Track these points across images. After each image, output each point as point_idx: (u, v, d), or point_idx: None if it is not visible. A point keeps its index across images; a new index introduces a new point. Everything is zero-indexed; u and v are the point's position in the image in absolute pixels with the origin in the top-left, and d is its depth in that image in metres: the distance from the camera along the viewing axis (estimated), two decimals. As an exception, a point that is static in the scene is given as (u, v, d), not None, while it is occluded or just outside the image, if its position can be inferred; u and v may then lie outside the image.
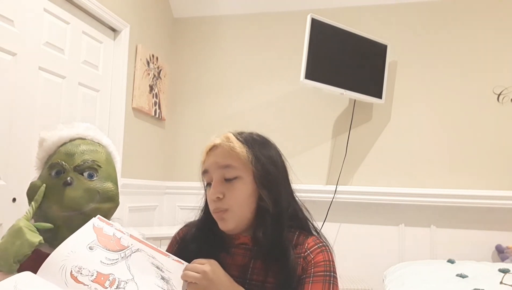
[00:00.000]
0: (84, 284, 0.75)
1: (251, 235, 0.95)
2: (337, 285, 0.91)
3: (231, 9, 3.26)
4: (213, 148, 0.97)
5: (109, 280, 0.77)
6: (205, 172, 0.97)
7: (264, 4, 3.18)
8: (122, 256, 0.83)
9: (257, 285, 0.90)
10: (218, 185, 0.93)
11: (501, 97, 2.76)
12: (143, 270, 0.82)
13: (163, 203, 3.23)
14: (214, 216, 0.95)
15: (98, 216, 0.92)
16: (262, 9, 3.21)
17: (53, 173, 0.97)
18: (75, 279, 0.76)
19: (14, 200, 1.92)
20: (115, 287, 0.76)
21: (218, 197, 0.92)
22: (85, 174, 0.97)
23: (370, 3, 3.00)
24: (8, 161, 1.90)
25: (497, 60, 2.78)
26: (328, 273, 0.90)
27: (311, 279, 0.89)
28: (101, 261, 0.80)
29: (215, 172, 0.94)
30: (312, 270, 0.90)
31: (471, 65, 2.82)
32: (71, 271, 0.77)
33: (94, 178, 0.98)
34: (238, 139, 0.96)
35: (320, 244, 0.94)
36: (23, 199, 1.93)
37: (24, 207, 1.91)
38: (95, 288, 0.75)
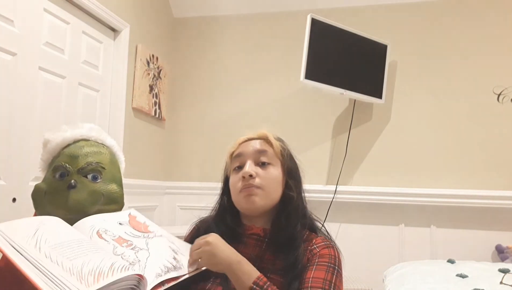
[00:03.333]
0: (105, 240, 0.84)
1: (263, 226, 1.01)
2: (340, 280, 0.95)
3: (231, 9, 3.26)
4: (247, 141, 1.07)
5: (127, 243, 0.86)
6: (238, 155, 1.05)
7: (264, 4, 3.18)
8: (145, 236, 0.91)
9: (265, 271, 0.93)
10: (253, 165, 1.02)
11: (501, 97, 2.76)
12: (159, 249, 0.89)
13: (163, 203, 3.23)
14: (242, 193, 1.00)
15: (133, 208, 1.02)
16: (262, 9, 3.21)
17: (57, 176, 0.97)
18: (100, 235, 0.85)
19: (14, 200, 1.92)
20: (131, 248, 0.84)
21: (251, 175, 0.99)
22: (89, 176, 0.98)
23: (370, 3, 3.00)
24: (8, 161, 1.90)
25: (497, 60, 2.78)
26: (332, 265, 0.94)
27: (314, 266, 0.93)
28: (125, 232, 0.89)
29: (251, 155, 1.03)
30: (317, 260, 0.95)
31: (471, 65, 2.82)
32: (98, 230, 0.86)
33: (98, 180, 0.98)
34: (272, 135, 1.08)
35: (327, 242, 1.00)
36: (23, 199, 1.93)
37: (24, 207, 1.91)
38: (113, 245, 0.84)
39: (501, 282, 1.74)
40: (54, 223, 0.83)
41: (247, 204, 0.99)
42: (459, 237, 2.70)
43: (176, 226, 3.03)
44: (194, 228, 1.11)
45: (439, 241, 2.73)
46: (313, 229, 1.05)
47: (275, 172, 1.02)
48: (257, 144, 1.05)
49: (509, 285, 1.69)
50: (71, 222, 0.94)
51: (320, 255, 0.95)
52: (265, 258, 0.96)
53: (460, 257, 2.46)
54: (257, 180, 0.99)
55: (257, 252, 0.98)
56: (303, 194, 1.06)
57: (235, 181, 1.02)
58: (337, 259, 0.97)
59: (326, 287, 0.90)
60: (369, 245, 2.82)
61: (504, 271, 1.86)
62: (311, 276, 0.91)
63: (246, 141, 1.07)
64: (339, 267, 0.96)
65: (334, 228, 2.84)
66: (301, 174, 1.10)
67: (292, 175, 1.05)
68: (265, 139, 1.06)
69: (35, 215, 1.04)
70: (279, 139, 1.10)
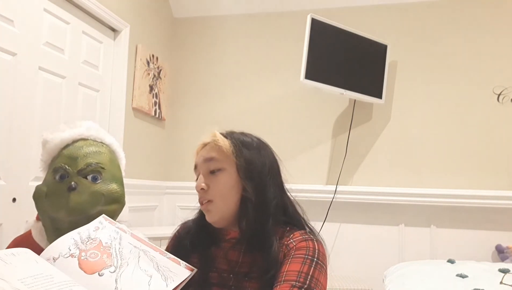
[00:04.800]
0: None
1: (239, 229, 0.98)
2: (320, 272, 0.86)
3: (231, 9, 3.26)
4: (203, 147, 1.03)
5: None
6: (195, 167, 1.04)
7: (264, 4, 3.18)
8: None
9: (242, 276, 0.92)
10: (204, 177, 0.99)
11: (501, 97, 2.76)
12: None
13: (163, 203, 3.23)
14: (201, 208, 1.00)
15: (103, 215, 0.92)
16: (262, 9, 3.21)
17: (57, 177, 0.96)
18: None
19: (14, 200, 1.92)
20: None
21: (202, 189, 0.97)
22: (89, 177, 0.97)
23: (370, 3, 3.00)
24: (8, 161, 1.90)
25: (497, 60, 2.78)
26: (310, 257, 0.87)
27: (290, 259, 0.88)
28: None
29: (202, 165, 1.00)
30: (293, 253, 0.89)
31: (471, 65, 2.82)
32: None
33: (98, 181, 0.98)
34: (222, 134, 1.01)
35: (306, 236, 0.93)
36: (23, 199, 1.93)
37: (24, 207, 1.91)
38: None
39: (501, 282, 1.74)
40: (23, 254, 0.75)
41: (207, 219, 0.98)
42: (459, 237, 2.70)
43: (175, 226, 3.03)
44: (175, 234, 1.09)
45: (439, 241, 2.73)
46: (295, 224, 0.99)
47: (225, 179, 0.96)
48: (206, 152, 1.00)
49: (509, 285, 1.69)
50: (73, 224, 0.94)
51: (296, 248, 0.89)
52: (244, 262, 0.93)
53: (460, 257, 2.46)
54: (208, 193, 0.96)
55: (235, 256, 0.95)
56: (270, 190, 0.97)
57: (197, 192, 1.01)
58: (316, 251, 0.89)
59: (301, 280, 0.82)
60: (369, 245, 2.82)
61: (504, 271, 1.86)
62: (286, 269, 0.85)
63: (201, 148, 1.03)
64: (318, 259, 0.88)
65: (334, 228, 2.84)
66: (278, 168, 1.02)
67: (247, 175, 0.96)
68: (214, 142, 0.99)
69: (38, 217, 1.04)
70: (230, 135, 1.01)
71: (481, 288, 1.68)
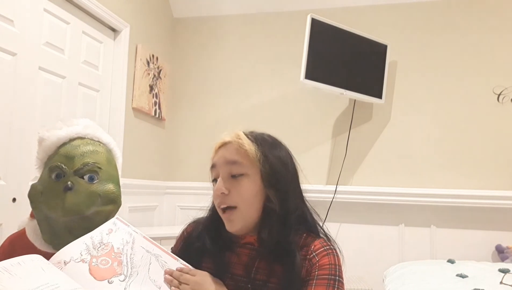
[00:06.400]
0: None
1: (256, 235, 0.94)
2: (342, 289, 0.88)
3: (231, 9, 3.26)
4: (223, 145, 0.96)
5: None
6: (213, 166, 0.96)
7: (264, 4, 3.18)
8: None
9: (260, 285, 0.89)
10: (224, 181, 0.92)
11: (501, 97, 2.76)
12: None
13: (163, 203, 3.23)
14: (222, 216, 0.94)
15: (117, 217, 0.92)
16: (262, 9, 3.21)
17: (53, 176, 0.95)
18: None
19: (14, 200, 1.92)
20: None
21: (223, 193, 0.91)
22: (86, 177, 0.95)
23: (370, 3, 3.00)
24: (8, 161, 1.90)
25: (497, 60, 2.78)
26: (332, 277, 0.88)
27: (314, 281, 0.87)
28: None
29: (222, 167, 0.93)
30: (317, 272, 0.88)
31: (471, 65, 2.82)
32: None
33: (95, 181, 0.96)
34: (248, 137, 0.95)
35: (327, 247, 0.92)
36: (23, 199, 1.93)
37: (24, 207, 1.91)
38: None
39: (501, 282, 1.74)
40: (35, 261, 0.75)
41: (228, 228, 0.93)
42: (459, 237, 2.70)
43: (175, 226, 3.03)
44: (183, 233, 1.05)
45: (439, 241, 2.73)
46: (312, 230, 0.97)
47: (248, 185, 0.91)
48: (228, 153, 0.93)
49: (509, 285, 1.69)
50: (68, 224, 0.93)
51: (319, 267, 0.88)
52: (259, 268, 0.91)
53: (460, 257, 2.46)
54: (230, 198, 0.91)
55: (250, 262, 0.92)
56: (292, 199, 0.94)
57: (214, 196, 0.95)
58: (337, 266, 0.90)
59: None
60: (369, 245, 2.82)
61: (504, 271, 1.86)
62: None
63: (220, 146, 0.96)
64: (339, 276, 0.89)
65: (334, 228, 2.84)
66: (297, 171, 0.99)
67: (272, 183, 0.91)
68: (238, 145, 0.93)
69: (32, 214, 1.04)
70: (255, 138, 0.95)
71: (481, 288, 1.68)
